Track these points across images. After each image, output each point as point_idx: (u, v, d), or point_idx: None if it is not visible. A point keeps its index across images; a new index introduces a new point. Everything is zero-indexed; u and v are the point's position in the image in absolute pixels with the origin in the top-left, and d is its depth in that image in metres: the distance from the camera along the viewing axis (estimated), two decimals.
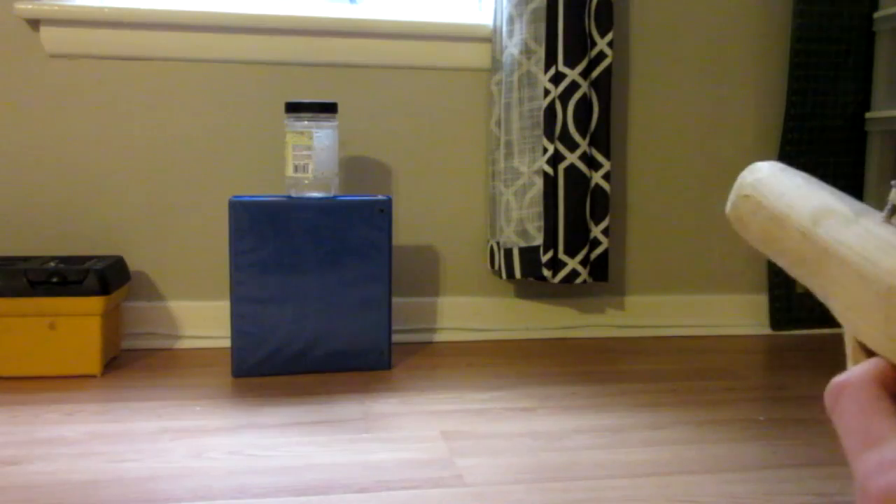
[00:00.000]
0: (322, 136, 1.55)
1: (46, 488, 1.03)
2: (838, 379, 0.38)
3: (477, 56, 1.83)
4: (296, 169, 1.53)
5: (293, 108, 1.56)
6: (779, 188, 0.54)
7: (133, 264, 1.76)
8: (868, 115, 1.92)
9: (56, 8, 1.64)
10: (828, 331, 2.00)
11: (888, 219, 0.45)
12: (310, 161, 1.52)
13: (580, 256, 1.75)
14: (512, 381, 1.54)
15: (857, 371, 0.38)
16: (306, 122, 1.55)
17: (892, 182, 0.46)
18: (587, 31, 1.73)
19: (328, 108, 1.57)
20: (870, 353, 0.42)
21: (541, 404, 1.40)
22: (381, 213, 1.57)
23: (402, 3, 1.86)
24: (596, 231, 1.78)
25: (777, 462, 1.16)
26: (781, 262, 0.54)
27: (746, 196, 0.56)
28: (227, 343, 1.77)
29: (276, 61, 1.76)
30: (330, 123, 1.57)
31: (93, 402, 1.38)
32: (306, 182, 1.55)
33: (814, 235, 0.48)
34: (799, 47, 1.89)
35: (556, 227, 1.75)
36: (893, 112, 1.84)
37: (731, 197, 0.58)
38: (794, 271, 0.52)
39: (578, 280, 1.76)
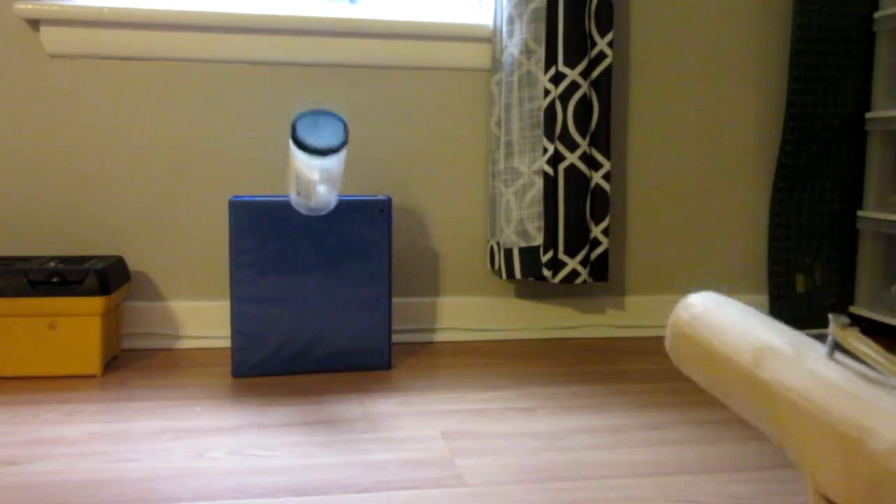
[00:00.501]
0: (328, 166, 1.46)
1: (46, 488, 1.03)
2: None
3: (477, 56, 1.83)
4: (298, 194, 1.49)
5: (301, 146, 1.41)
6: (716, 325, 0.51)
7: (133, 264, 1.76)
8: (868, 115, 1.92)
9: (56, 8, 1.64)
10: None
11: (830, 355, 0.43)
12: (312, 190, 1.47)
13: (580, 256, 1.75)
14: (512, 381, 1.54)
15: None
16: (314, 161, 1.43)
17: (830, 316, 0.45)
18: (587, 31, 1.73)
19: (337, 150, 1.43)
20: (830, 502, 0.39)
21: (541, 404, 1.40)
22: (381, 213, 1.57)
23: (402, 3, 1.86)
24: (596, 231, 1.78)
25: (777, 462, 1.16)
26: (730, 404, 0.50)
27: (684, 335, 0.53)
28: (227, 343, 1.77)
29: (276, 61, 1.76)
30: (338, 155, 1.46)
31: (93, 402, 1.38)
32: (309, 206, 1.51)
33: (757, 378, 0.45)
34: (799, 47, 1.89)
35: (556, 227, 1.75)
36: (893, 112, 1.84)
37: (668, 334, 0.54)
38: (745, 414, 0.48)
39: (578, 280, 1.76)
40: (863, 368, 0.42)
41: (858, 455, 0.36)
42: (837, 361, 0.43)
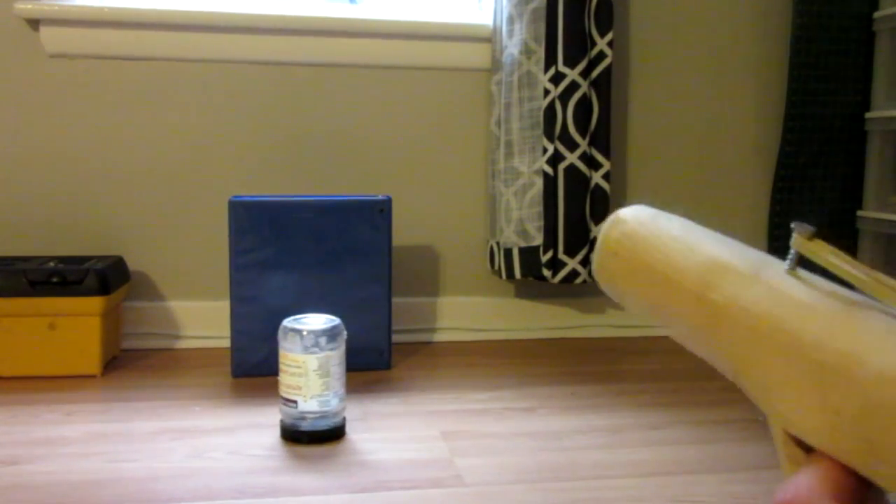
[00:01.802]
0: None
1: (46, 488, 1.03)
2: (783, 498, 0.30)
3: (477, 56, 1.83)
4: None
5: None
6: (652, 241, 0.43)
7: (133, 264, 1.76)
8: (868, 115, 1.92)
9: (56, 8, 1.64)
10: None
11: (792, 270, 0.37)
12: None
13: (580, 256, 1.75)
14: (512, 381, 1.54)
15: (802, 488, 0.31)
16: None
17: (793, 225, 0.38)
18: (587, 31, 1.73)
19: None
20: (803, 445, 0.34)
21: (541, 404, 1.40)
22: (381, 213, 1.57)
23: (402, 3, 1.86)
24: (596, 231, 1.78)
25: (777, 462, 1.16)
26: (675, 334, 0.42)
27: (614, 254, 0.44)
28: (227, 343, 1.77)
29: (276, 61, 1.76)
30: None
31: (93, 402, 1.38)
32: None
33: (709, 301, 0.38)
34: (799, 47, 1.88)
35: (556, 227, 1.75)
36: (893, 112, 1.84)
37: (596, 255, 0.45)
38: (691, 345, 0.41)
39: (578, 280, 1.76)
40: (832, 286, 0.36)
41: (840, 386, 0.31)
42: (800, 278, 0.36)
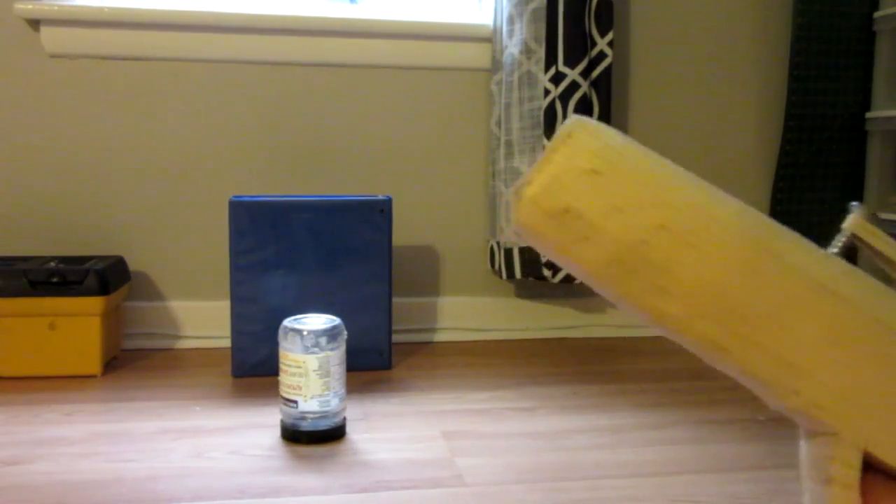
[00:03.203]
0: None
1: (46, 488, 1.03)
2: None
3: (477, 56, 1.83)
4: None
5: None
6: (657, 162, 0.28)
7: (133, 264, 1.76)
8: (868, 115, 1.92)
9: (56, 8, 1.64)
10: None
11: (841, 253, 0.31)
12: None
13: None
14: (512, 381, 1.54)
15: None
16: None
17: (853, 204, 0.32)
18: (587, 31, 1.73)
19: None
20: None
21: (541, 404, 1.40)
22: (381, 213, 1.57)
23: (402, 3, 1.86)
24: None
25: (777, 462, 1.16)
26: (679, 315, 0.29)
27: (593, 172, 0.27)
28: (227, 343, 1.77)
29: (276, 61, 1.76)
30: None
31: (93, 402, 1.38)
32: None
33: (781, 265, 0.28)
34: (799, 47, 1.88)
35: None
36: (893, 112, 1.84)
37: (550, 171, 0.27)
38: (710, 326, 0.29)
39: (579, 280, 1.76)
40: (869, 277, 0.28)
41: None
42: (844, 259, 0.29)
